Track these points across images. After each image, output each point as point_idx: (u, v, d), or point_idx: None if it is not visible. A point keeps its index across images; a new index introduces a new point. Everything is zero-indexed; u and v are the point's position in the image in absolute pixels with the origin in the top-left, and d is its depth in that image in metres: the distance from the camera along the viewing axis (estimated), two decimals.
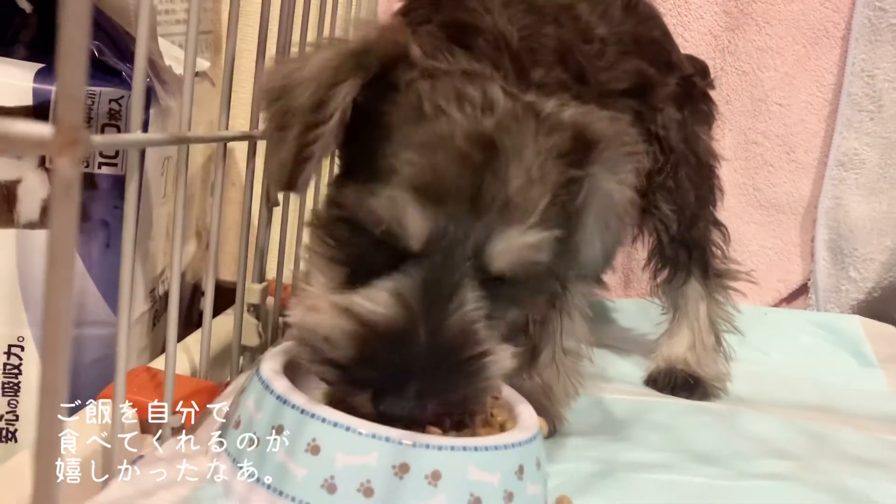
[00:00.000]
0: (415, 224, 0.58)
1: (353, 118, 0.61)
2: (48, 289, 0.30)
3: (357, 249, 0.62)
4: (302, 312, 0.62)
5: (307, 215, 1.20)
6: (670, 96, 1.05)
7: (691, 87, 1.11)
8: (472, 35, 0.75)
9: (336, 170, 0.70)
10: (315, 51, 0.64)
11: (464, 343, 0.59)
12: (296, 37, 0.94)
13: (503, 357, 0.63)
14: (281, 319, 1.06)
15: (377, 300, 0.58)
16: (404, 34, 0.64)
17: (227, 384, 0.87)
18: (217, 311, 1.00)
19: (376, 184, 0.59)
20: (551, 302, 0.86)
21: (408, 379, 0.57)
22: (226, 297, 0.91)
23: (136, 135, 0.53)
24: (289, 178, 0.60)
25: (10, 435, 0.87)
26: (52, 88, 0.82)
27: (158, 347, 0.99)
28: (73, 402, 0.85)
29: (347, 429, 0.60)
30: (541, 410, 0.82)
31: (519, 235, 0.60)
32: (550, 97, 0.67)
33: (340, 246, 0.63)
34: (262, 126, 0.88)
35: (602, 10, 0.92)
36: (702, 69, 1.19)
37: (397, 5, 1.58)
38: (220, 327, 0.94)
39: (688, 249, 1.12)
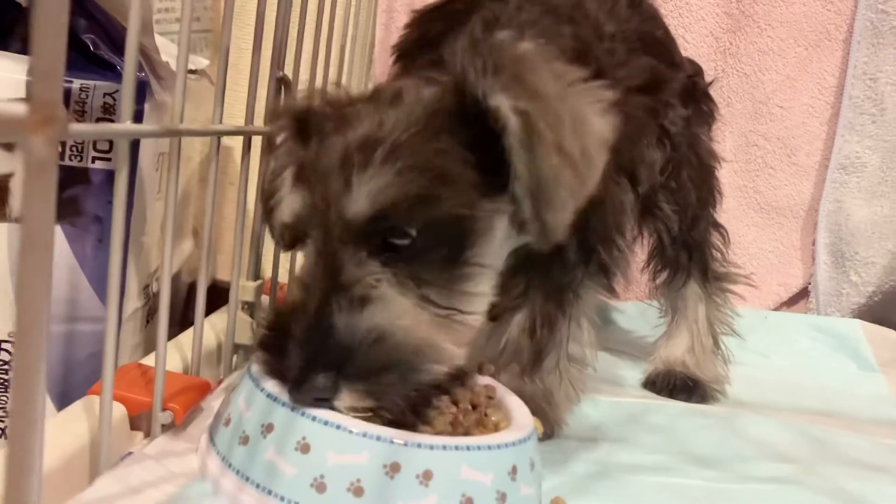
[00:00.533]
0: (291, 209, 0.65)
1: None
2: (21, 276, 0.29)
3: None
4: None
5: None
6: (677, 93, 1.04)
7: (694, 86, 1.10)
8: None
9: None
10: None
11: (350, 309, 0.59)
12: (293, 34, 0.93)
13: (391, 318, 0.59)
14: None
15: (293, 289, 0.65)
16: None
17: (220, 382, 0.87)
18: (211, 311, 0.99)
19: None
20: (562, 308, 0.85)
21: (291, 363, 0.59)
22: (223, 296, 0.90)
23: (125, 125, 0.53)
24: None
25: (0, 433, 0.87)
26: None
27: (152, 344, 0.98)
28: (66, 398, 0.85)
29: (338, 427, 0.59)
30: (540, 414, 0.82)
31: (368, 179, 0.59)
32: None
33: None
34: (258, 122, 0.87)
35: (609, 7, 0.91)
36: (700, 71, 1.18)
37: (395, 3, 1.58)
38: (215, 325, 0.94)
39: (688, 250, 1.11)
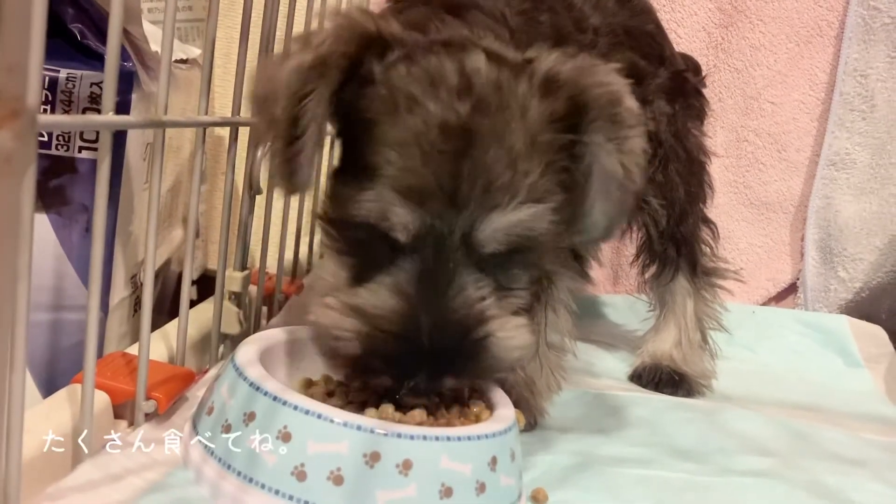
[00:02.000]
0: (401, 222, 0.60)
1: (343, 114, 0.64)
2: None
3: (359, 242, 0.64)
4: (318, 311, 0.64)
5: (297, 206, 1.20)
6: (661, 89, 1.04)
7: (683, 81, 1.10)
8: (470, 9, 0.76)
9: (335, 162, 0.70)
10: (288, 55, 0.63)
11: (465, 326, 0.62)
12: (281, 23, 0.93)
13: (512, 332, 0.64)
14: (264, 308, 1.05)
15: (380, 296, 0.62)
16: (371, 21, 0.64)
17: (206, 371, 0.87)
18: (203, 300, 0.99)
19: (364, 181, 0.61)
20: (536, 295, 0.86)
21: (417, 367, 0.61)
22: (214, 286, 0.90)
23: (104, 116, 0.53)
24: (286, 182, 0.64)
25: None
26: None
27: (139, 334, 0.98)
28: (52, 386, 0.85)
29: (319, 416, 0.60)
30: (522, 404, 0.82)
31: (503, 216, 0.61)
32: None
33: (345, 239, 0.66)
34: (243, 113, 0.88)
35: (596, 0, 0.91)
36: (694, 66, 1.19)
37: None
38: (202, 314, 0.94)
39: (676, 245, 1.12)
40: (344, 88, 0.62)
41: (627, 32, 0.96)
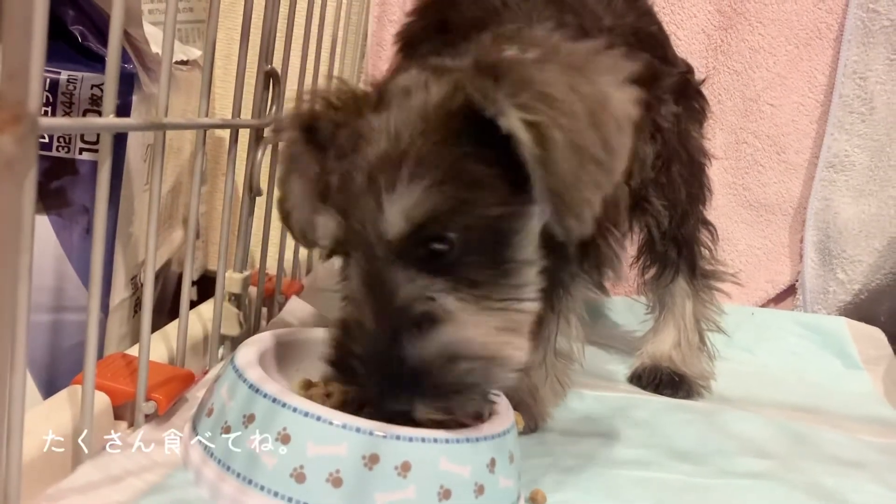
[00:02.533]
0: (326, 233, 0.64)
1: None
2: None
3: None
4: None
5: None
6: (671, 89, 1.04)
7: (687, 83, 1.11)
8: (490, 25, 0.77)
9: None
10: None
11: (396, 332, 0.59)
12: (282, 25, 0.93)
13: (463, 333, 0.60)
14: (264, 309, 1.06)
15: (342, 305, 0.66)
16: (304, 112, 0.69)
17: (206, 372, 0.87)
18: (204, 302, 0.99)
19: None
20: (551, 304, 0.86)
21: (369, 386, 0.60)
22: (214, 287, 0.91)
23: (104, 119, 0.53)
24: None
25: None
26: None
27: (139, 335, 0.99)
28: (52, 387, 0.85)
29: (318, 419, 0.60)
30: (523, 407, 0.82)
31: (398, 198, 0.59)
32: None
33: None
34: (244, 115, 0.88)
35: (607, 1, 0.92)
36: (692, 69, 1.19)
37: None
38: (202, 316, 0.94)
39: (677, 246, 1.12)
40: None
41: (635, 33, 0.96)
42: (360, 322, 0.60)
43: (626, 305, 1.42)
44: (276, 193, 0.77)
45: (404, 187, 0.58)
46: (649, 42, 1.00)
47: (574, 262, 0.85)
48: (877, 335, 1.38)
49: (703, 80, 1.16)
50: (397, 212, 0.59)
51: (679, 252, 1.12)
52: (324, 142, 0.66)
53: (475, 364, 0.59)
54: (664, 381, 1.10)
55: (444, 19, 0.85)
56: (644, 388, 1.10)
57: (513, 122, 0.57)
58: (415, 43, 0.92)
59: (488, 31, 0.75)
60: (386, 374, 0.59)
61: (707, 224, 1.16)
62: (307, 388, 0.72)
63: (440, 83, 0.62)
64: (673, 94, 1.05)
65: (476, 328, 0.60)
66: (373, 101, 0.64)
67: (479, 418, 0.66)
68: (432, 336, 0.59)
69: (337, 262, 0.72)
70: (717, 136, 1.52)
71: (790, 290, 1.56)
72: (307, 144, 0.68)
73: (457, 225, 0.60)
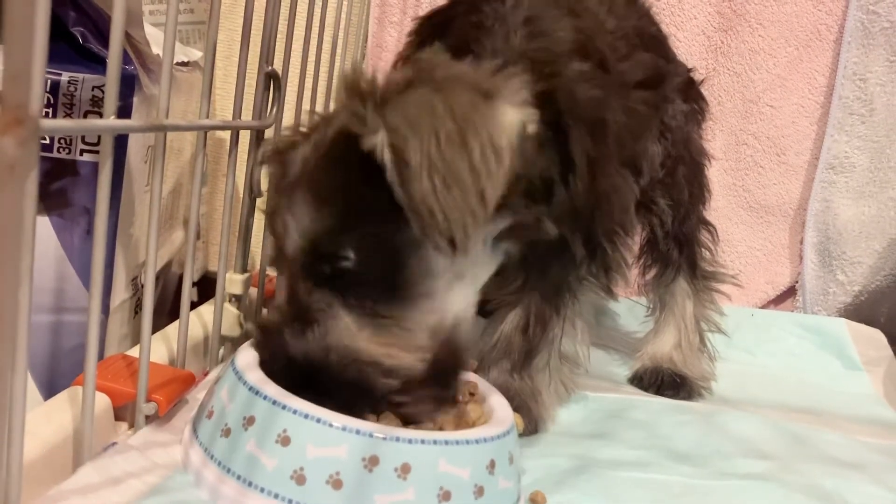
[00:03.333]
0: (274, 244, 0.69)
1: None
2: None
3: None
4: None
5: None
6: (678, 89, 1.05)
7: (690, 84, 1.11)
8: (482, 39, 0.77)
9: None
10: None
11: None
12: (282, 26, 0.93)
13: (344, 328, 0.64)
14: (265, 310, 1.06)
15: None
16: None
17: (206, 373, 0.87)
18: (204, 302, 1.00)
19: None
20: (556, 308, 0.86)
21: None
22: (215, 288, 0.91)
23: (105, 121, 0.53)
24: None
25: None
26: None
27: (140, 336, 0.99)
28: (53, 388, 0.85)
29: (319, 421, 0.60)
30: (524, 410, 0.82)
31: (296, 219, 0.65)
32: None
33: None
34: (244, 116, 0.88)
35: (609, 4, 0.92)
36: (691, 70, 1.19)
37: None
38: (202, 317, 0.94)
39: (679, 245, 1.12)
40: None
41: (638, 35, 0.96)
42: (274, 327, 0.66)
43: (625, 306, 1.42)
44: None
45: (299, 208, 0.64)
46: (652, 43, 1.00)
47: (582, 266, 0.85)
48: (877, 336, 1.38)
49: (703, 81, 1.17)
50: (295, 232, 0.65)
51: (680, 251, 1.13)
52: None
53: (345, 360, 0.63)
54: (666, 382, 1.10)
55: (438, 37, 0.85)
56: (645, 389, 1.10)
57: (377, 145, 0.58)
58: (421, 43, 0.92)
59: (480, 39, 0.77)
60: (289, 374, 0.64)
61: (707, 224, 1.17)
62: None
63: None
64: (681, 94, 1.05)
65: (353, 336, 0.64)
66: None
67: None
68: (309, 336, 0.64)
69: None
70: (717, 138, 1.52)
71: (790, 292, 1.56)
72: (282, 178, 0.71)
73: (351, 244, 0.63)
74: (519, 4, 0.80)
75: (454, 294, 0.67)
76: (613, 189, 0.81)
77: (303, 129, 0.72)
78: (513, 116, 0.61)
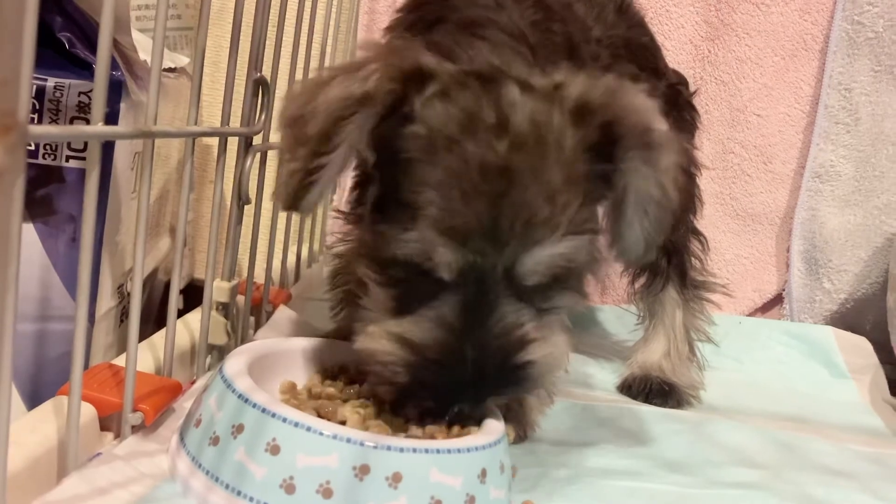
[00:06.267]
0: (444, 261, 0.62)
1: (380, 149, 0.64)
2: None
3: (402, 277, 0.66)
4: (364, 339, 0.67)
5: (285, 216, 1.20)
6: (658, 101, 1.05)
7: (677, 95, 1.11)
8: (490, 28, 0.77)
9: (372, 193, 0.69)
10: (329, 81, 0.63)
11: (507, 353, 0.64)
12: (271, 33, 0.93)
13: (551, 351, 0.67)
14: (252, 319, 1.05)
15: (424, 327, 0.64)
16: (413, 54, 0.64)
17: (193, 383, 0.86)
18: (190, 310, 0.99)
19: (405, 221, 0.62)
20: None
21: (460, 394, 0.64)
22: (202, 295, 0.90)
23: (93, 127, 0.53)
24: (293, 199, 0.63)
25: None
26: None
27: (126, 344, 0.98)
28: (37, 398, 0.84)
29: (308, 429, 0.59)
30: (512, 417, 0.82)
31: (544, 250, 0.63)
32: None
33: (387, 273, 0.67)
34: (233, 123, 0.87)
35: (597, 11, 0.92)
36: (685, 80, 1.19)
37: (378, 4, 1.58)
38: (189, 325, 0.93)
39: (668, 254, 1.12)
40: (382, 123, 0.63)
41: (626, 45, 0.97)
42: (451, 346, 0.63)
43: (615, 315, 1.42)
44: (268, 197, 0.74)
45: (549, 244, 0.63)
46: (641, 53, 1.01)
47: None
48: (863, 344, 1.39)
49: (694, 93, 1.17)
50: (539, 264, 0.63)
51: (669, 260, 1.13)
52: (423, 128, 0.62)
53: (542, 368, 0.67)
54: (654, 390, 1.10)
55: (434, 15, 0.84)
56: (634, 397, 1.10)
57: (651, 186, 0.66)
58: (408, 31, 0.90)
59: (484, 27, 0.76)
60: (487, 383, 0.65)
61: (697, 234, 1.17)
62: (290, 392, 0.72)
63: (566, 123, 0.64)
64: (662, 107, 1.05)
65: (552, 347, 0.68)
66: (492, 121, 0.62)
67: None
68: (531, 363, 0.66)
69: (324, 270, 0.72)
70: (704, 146, 1.53)
71: (777, 300, 1.57)
72: (389, 110, 0.62)
73: (567, 256, 0.64)
74: (518, 1, 0.81)
75: None
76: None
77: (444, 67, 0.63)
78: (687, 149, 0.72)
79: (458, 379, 0.63)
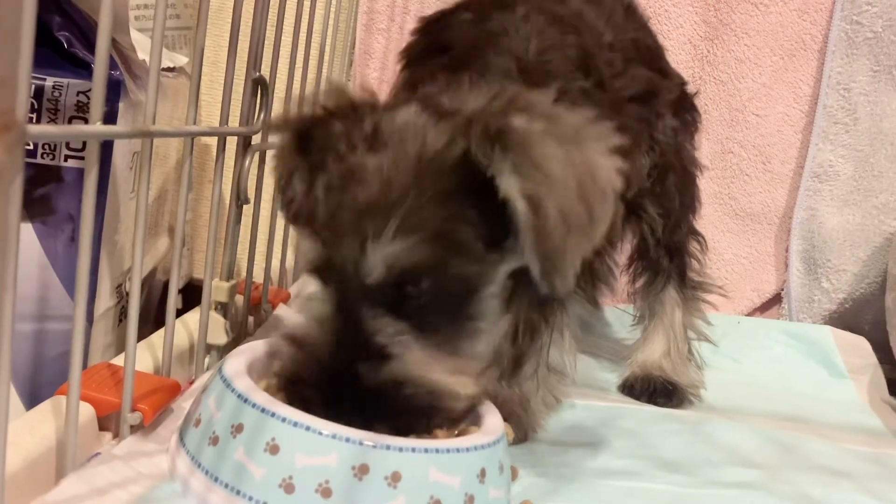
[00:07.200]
0: (309, 258, 0.65)
1: None
2: None
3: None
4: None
5: (278, 215, 1.19)
6: (669, 103, 1.05)
7: (684, 96, 1.12)
8: (487, 52, 0.78)
9: None
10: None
11: (355, 361, 0.62)
12: (270, 32, 0.93)
13: (422, 378, 0.63)
14: (250, 318, 1.05)
15: (304, 323, 0.66)
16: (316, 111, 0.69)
17: (191, 382, 0.86)
18: (189, 310, 0.98)
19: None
20: (545, 317, 0.86)
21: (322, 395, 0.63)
22: (200, 295, 0.90)
23: (91, 126, 0.52)
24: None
25: None
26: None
27: (125, 344, 0.98)
28: (35, 398, 0.84)
29: (308, 429, 0.59)
30: (514, 419, 0.82)
31: (377, 247, 0.61)
32: (571, 106, 0.67)
33: None
34: (231, 122, 0.87)
35: (607, 16, 0.93)
36: (685, 82, 1.20)
37: (377, 4, 1.58)
38: (187, 325, 0.93)
39: (669, 254, 1.12)
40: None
41: (636, 48, 0.97)
42: (319, 345, 0.63)
43: (613, 315, 1.42)
44: (267, 197, 0.78)
45: (389, 240, 0.61)
46: (648, 55, 1.01)
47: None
48: (861, 344, 1.39)
49: (696, 94, 1.17)
50: (379, 260, 0.62)
51: (670, 260, 1.13)
52: (318, 151, 0.67)
53: (420, 390, 0.63)
54: (658, 390, 1.10)
55: (444, 40, 0.86)
56: (637, 397, 1.10)
57: (512, 192, 0.59)
58: (416, 62, 0.93)
59: (487, 54, 0.78)
60: (338, 398, 0.62)
61: (697, 234, 1.17)
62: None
63: (438, 130, 0.64)
64: (671, 108, 1.06)
65: (426, 364, 0.64)
66: (367, 132, 0.65)
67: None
68: (385, 367, 0.62)
69: None
70: (703, 146, 1.52)
71: (776, 299, 1.57)
72: (299, 151, 0.69)
73: (431, 278, 0.63)
74: (528, 18, 0.82)
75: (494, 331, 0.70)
76: None
77: (324, 105, 0.68)
78: (614, 163, 0.64)
79: (314, 377, 0.63)
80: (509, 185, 0.59)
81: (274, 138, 0.73)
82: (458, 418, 0.67)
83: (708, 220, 1.51)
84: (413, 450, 0.60)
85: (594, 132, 0.64)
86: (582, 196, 0.60)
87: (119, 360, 0.74)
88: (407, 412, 0.63)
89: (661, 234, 1.09)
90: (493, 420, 0.69)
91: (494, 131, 0.60)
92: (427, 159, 0.62)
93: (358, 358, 0.62)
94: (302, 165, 0.68)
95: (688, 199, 1.13)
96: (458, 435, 0.67)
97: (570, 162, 0.60)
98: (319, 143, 0.67)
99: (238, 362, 0.68)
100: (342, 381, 0.62)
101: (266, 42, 0.91)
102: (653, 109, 1.00)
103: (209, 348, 0.92)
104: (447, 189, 0.62)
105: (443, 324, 0.65)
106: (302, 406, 0.62)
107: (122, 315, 0.99)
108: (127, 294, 0.99)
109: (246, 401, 0.62)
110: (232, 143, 0.91)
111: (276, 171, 0.72)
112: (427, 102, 0.67)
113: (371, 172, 0.62)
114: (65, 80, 0.82)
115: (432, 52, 0.88)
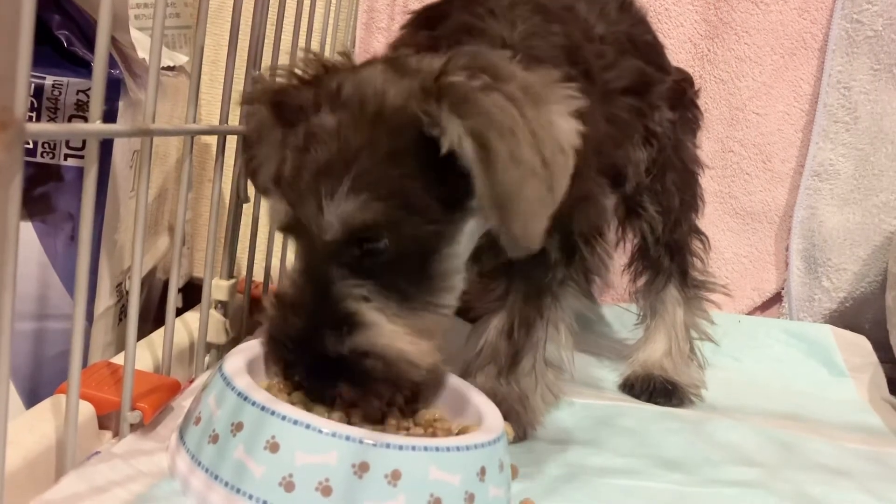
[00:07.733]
0: (276, 216, 0.68)
1: None
2: None
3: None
4: None
5: None
6: (664, 96, 1.05)
7: (682, 92, 1.12)
8: (476, 37, 0.78)
9: None
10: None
11: (320, 322, 0.64)
12: (269, 31, 0.93)
13: (389, 342, 0.65)
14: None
15: (287, 281, 0.68)
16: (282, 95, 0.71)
17: (191, 381, 0.86)
18: (189, 309, 0.99)
19: None
20: (540, 312, 0.86)
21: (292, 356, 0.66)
22: (200, 294, 0.90)
23: (91, 125, 0.52)
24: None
25: None
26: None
27: (124, 343, 0.98)
28: (35, 396, 0.84)
29: (308, 427, 0.59)
30: (513, 416, 0.82)
31: (332, 204, 0.63)
32: None
33: None
34: (231, 121, 0.87)
35: (599, 9, 0.93)
36: (689, 78, 1.19)
37: (377, 3, 1.58)
38: (187, 323, 0.93)
39: (670, 252, 1.12)
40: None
41: (630, 41, 0.97)
42: (295, 305, 0.65)
43: (614, 314, 1.42)
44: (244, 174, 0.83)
45: (343, 197, 0.62)
46: (644, 50, 1.01)
47: (559, 268, 0.85)
48: (862, 343, 1.39)
49: (697, 91, 1.17)
50: (335, 218, 0.63)
51: (672, 259, 1.13)
52: (290, 116, 0.68)
53: (381, 362, 0.64)
54: (658, 389, 1.10)
55: (432, 23, 0.85)
56: (637, 396, 1.10)
57: (455, 131, 0.60)
58: (411, 30, 0.92)
59: (474, 36, 0.77)
60: (310, 362, 0.65)
61: (699, 233, 1.17)
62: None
63: (398, 88, 0.64)
64: (667, 102, 1.06)
65: (390, 333, 0.65)
66: (332, 90, 0.66)
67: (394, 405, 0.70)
68: (349, 338, 0.64)
69: None
70: (703, 145, 1.51)
71: (776, 298, 1.57)
72: (275, 119, 0.70)
73: (390, 235, 0.64)
74: (514, 5, 0.81)
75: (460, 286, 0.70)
76: (588, 195, 0.82)
77: (298, 73, 0.70)
78: (573, 125, 0.63)
79: (284, 337, 0.65)
80: (452, 129, 0.60)
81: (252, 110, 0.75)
82: (419, 388, 0.70)
83: (708, 218, 1.50)
84: (413, 448, 0.60)
85: (553, 93, 0.64)
86: (535, 146, 0.60)
87: (119, 359, 0.74)
88: (370, 380, 0.65)
89: (661, 232, 1.09)
90: (493, 418, 0.69)
91: (436, 87, 0.61)
92: (384, 118, 0.63)
93: (324, 323, 0.64)
94: (275, 133, 0.70)
95: (688, 197, 1.12)
96: (458, 433, 0.67)
97: (518, 112, 0.60)
98: (291, 109, 0.68)
99: (238, 360, 0.68)
100: (310, 347, 0.64)
101: (266, 41, 0.91)
102: (647, 101, 1.00)
103: (209, 347, 0.92)
104: (403, 148, 0.63)
105: (405, 283, 0.66)
106: (280, 366, 0.65)
107: (122, 314, 0.99)
108: (127, 293, 0.99)
109: (246, 399, 0.62)
110: (232, 141, 0.91)
111: (241, 140, 0.75)
112: (393, 63, 0.68)
113: (329, 132, 0.64)
114: (64, 79, 0.82)
115: (422, 25, 0.87)
